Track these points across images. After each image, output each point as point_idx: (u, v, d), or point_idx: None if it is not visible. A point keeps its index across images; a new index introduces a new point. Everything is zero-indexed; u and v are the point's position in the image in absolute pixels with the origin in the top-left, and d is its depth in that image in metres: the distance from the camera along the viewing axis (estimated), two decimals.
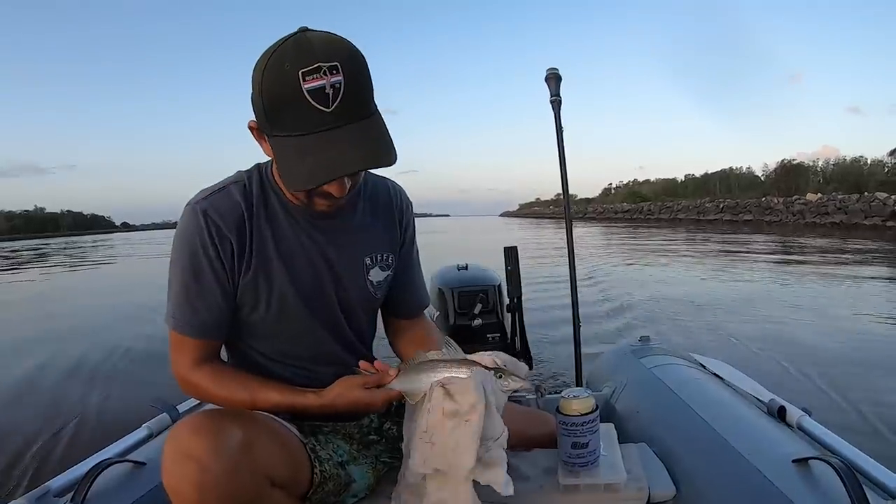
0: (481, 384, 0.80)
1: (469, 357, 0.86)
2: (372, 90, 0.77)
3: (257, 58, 0.75)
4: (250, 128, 0.79)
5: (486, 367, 0.83)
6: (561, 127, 1.73)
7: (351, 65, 0.72)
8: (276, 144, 0.76)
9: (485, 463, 0.78)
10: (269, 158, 0.87)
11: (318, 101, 0.71)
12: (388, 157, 0.75)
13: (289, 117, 0.72)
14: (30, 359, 4.01)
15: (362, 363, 0.88)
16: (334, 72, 0.70)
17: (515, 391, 0.85)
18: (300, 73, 0.70)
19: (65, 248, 29.56)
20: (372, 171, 0.95)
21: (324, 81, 0.70)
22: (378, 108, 0.78)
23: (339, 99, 0.71)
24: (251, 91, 0.75)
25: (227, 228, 0.83)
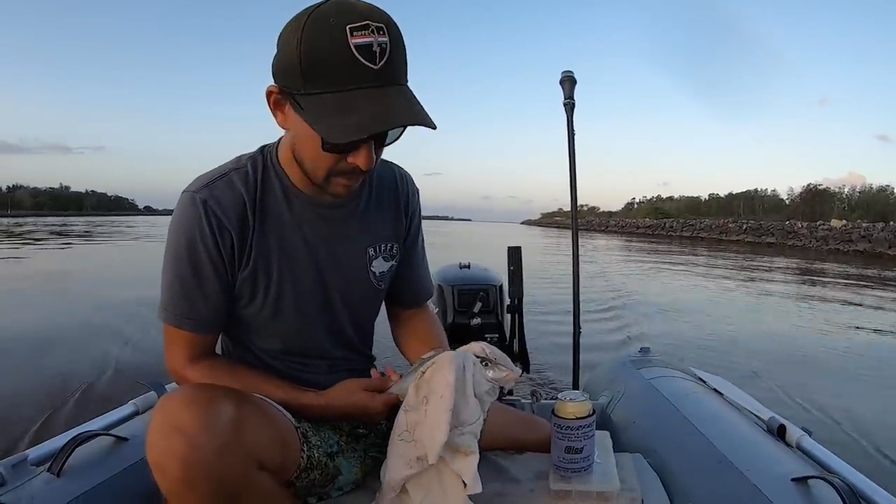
0: (457, 363, 0.78)
1: (460, 349, 0.84)
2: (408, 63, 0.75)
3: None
4: (269, 93, 0.74)
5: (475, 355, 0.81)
6: (573, 130, 1.72)
7: (396, 30, 0.70)
8: (310, 103, 0.71)
9: (455, 448, 0.75)
10: (276, 141, 0.86)
11: (366, 57, 0.67)
12: (432, 120, 0.72)
13: (332, 72, 0.68)
14: None
15: (373, 371, 0.87)
16: (381, 32, 0.68)
17: (499, 382, 0.81)
18: (348, 27, 0.67)
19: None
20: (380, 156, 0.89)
21: (371, 39, 0.67)
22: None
23: (385, 59, 0.68)
24: (276, 54, 0.72)
25: (228, 221, 0.80)
